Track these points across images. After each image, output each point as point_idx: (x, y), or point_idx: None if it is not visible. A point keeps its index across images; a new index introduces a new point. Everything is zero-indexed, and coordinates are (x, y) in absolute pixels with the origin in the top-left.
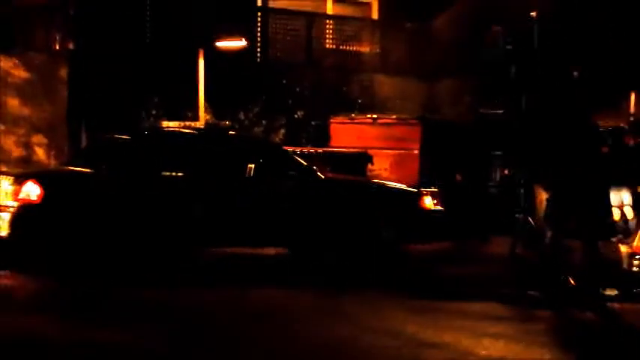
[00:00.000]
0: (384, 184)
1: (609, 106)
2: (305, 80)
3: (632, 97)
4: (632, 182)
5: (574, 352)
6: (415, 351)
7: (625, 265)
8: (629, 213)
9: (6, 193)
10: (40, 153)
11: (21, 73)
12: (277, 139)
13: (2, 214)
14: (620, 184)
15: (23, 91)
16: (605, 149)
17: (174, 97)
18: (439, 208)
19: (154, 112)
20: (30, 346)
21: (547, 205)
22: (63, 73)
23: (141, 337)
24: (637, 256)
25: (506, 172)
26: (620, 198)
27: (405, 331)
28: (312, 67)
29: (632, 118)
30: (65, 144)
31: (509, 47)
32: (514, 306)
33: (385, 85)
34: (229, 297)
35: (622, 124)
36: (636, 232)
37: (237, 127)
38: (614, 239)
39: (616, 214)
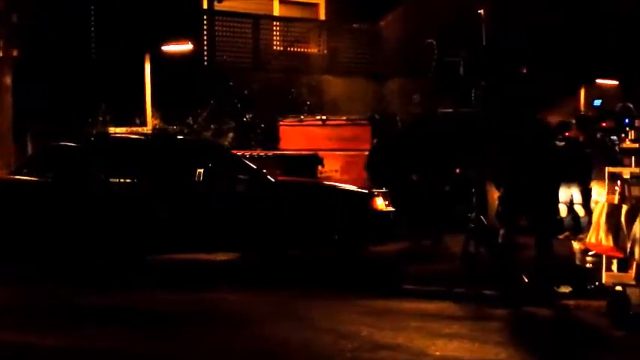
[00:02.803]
0: (334, 185)
1: (561, 102)
2: (253, 83)
3: (582, 91)
4: (583, 179)
5: (529, 350)
6: (370, 353)
7: (578, 262)
8: (580, 211)
9: None
10: None
11: None
12: (226, 143)
13: None
14: (570, 181)
15: None
16: (558, 145)
17: (122, 102)
18: (391, 208)
19: (101, 118)
20: None
21: (499, 203)
22: (7, 80)
23: (91, 339)
24: (590, 253)
25: (457, 170)
26: (568, 195)
27: (359, 333)
28: (259, 69)
29: (582, 113)
30: (12, 152)
31: (447, 59)
32: (468, 305)
33: (334, 86)
34: (183, 301)
35: (566, 120)
36: (588, 229)
37: (185, 131)
38: (561, 236)
39: (562, 211)
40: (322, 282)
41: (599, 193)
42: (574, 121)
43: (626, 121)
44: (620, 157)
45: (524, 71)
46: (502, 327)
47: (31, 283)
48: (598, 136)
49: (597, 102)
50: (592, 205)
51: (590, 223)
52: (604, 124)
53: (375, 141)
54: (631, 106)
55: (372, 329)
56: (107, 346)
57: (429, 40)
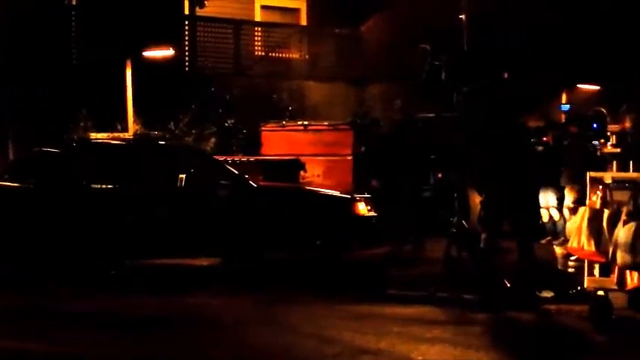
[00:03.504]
0: (316, 191)
1: (543, 106)
2: (235, 88)
3: (564, 96)
4: (557, 183)
5: (511, 354)
6: (352, 358)
7: (560, 267)
8: (556, 215)
9: None
10: None
11: None
12: (208, 148)
13: None
14: (546, 185)
15: None
16: (539, 149)
17: (103, 107)
18: (373, 213)
19: (82, 123)
20: None
21: (481, 208)
22: None
23: (80, 345)
24: (572, 258)
25: (439, 175)
26: (547, 199)
27: (342, 338)
28: (241, 74)
29: (550, 118)
30: None
31: (436, 63)
32: (450, 309)
33: (315, 91)
34: (164, 306)
35: (539, 124)
36: (563, 232)
37: (167, 136)
38: (543, 241)
39: (544, 216)
40: (304, 287)
41: (570, 196)
42: (543, 126)
43: (594, 126)
44: (603, 162)
45: (506, 76)
46: (484, 331)
47: (14, 288)
48: (565, 142)
49: (565, 107)
50: (564, 209)
51: (565, 226)
52: (573, 130)
53: (362, 148)
54: (604, 111)
55: (354, 334)
56: (100, 352)
57: (423, 45)
